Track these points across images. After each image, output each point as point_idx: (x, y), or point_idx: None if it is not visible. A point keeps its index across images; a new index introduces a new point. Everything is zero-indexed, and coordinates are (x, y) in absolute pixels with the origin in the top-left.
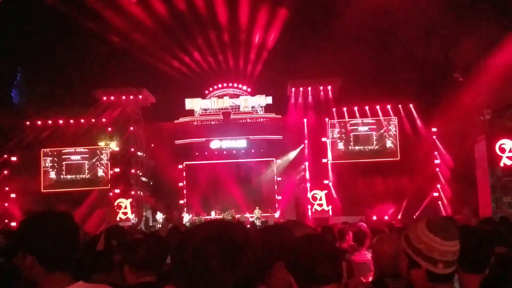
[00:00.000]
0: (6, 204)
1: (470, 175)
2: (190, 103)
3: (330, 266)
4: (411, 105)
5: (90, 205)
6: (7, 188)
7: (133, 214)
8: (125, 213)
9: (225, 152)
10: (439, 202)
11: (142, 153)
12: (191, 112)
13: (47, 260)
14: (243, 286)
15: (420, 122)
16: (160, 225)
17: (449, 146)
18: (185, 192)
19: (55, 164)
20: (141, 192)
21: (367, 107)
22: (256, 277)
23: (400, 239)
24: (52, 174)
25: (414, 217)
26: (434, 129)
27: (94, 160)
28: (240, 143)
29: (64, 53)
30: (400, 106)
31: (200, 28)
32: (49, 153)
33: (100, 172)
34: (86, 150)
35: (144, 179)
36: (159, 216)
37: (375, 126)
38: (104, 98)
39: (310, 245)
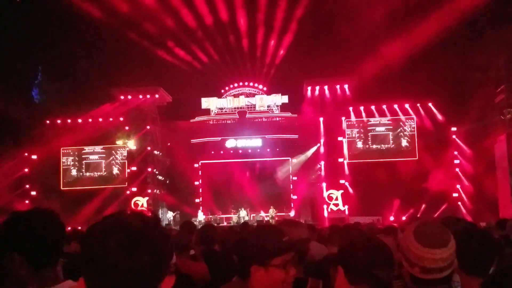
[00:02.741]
0: (26, 202)
1: (491, 175)
2: (206, 102)
3: (387, 270)
4: (430, 104)
5: (101, 202)
6: (27, 186)
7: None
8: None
9: (240, 151)
10: (459, 203)
11: (158, 152)
12: (207, 111)
13: (34, 258)
14: (143, 275)
15: (440, 120)
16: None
17: (469, 145)
18: (200, 191)
19: (76, 163)
20: (158, 191)
21: (384, 106)
22: (156, 266)
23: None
24: (74, 172)
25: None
26: (453, 129)
27: (110, 158)
28: (255, 142)
29: (82, 53)
30: (418, 104)
31: (217, 27)
32: (70, 152)
33: (115, 170)
34: (103, 150)
35: (160, 177)
36: (170, 215)
37: (391, 127)
38: (122, 97)
39: (368, 246)
